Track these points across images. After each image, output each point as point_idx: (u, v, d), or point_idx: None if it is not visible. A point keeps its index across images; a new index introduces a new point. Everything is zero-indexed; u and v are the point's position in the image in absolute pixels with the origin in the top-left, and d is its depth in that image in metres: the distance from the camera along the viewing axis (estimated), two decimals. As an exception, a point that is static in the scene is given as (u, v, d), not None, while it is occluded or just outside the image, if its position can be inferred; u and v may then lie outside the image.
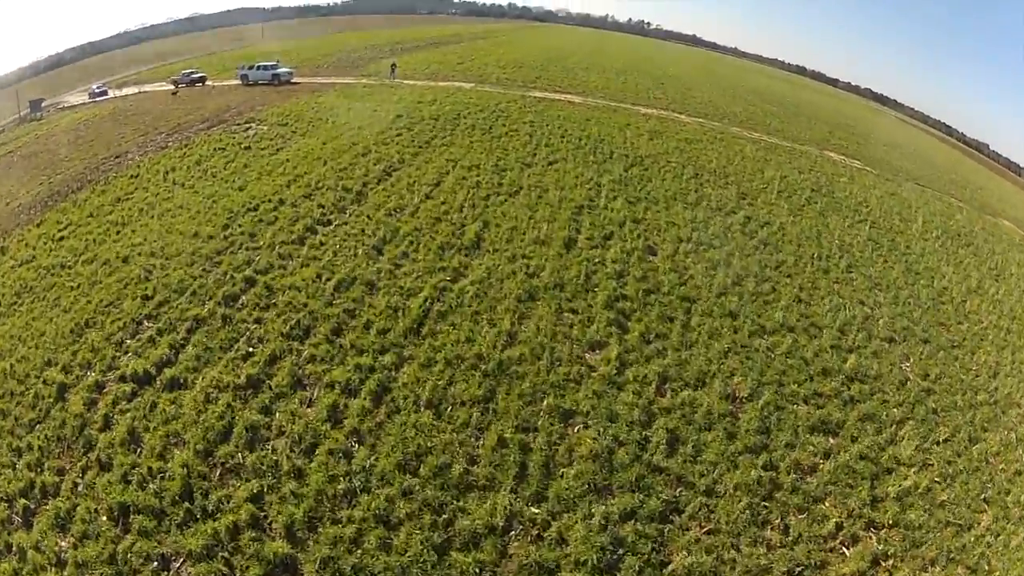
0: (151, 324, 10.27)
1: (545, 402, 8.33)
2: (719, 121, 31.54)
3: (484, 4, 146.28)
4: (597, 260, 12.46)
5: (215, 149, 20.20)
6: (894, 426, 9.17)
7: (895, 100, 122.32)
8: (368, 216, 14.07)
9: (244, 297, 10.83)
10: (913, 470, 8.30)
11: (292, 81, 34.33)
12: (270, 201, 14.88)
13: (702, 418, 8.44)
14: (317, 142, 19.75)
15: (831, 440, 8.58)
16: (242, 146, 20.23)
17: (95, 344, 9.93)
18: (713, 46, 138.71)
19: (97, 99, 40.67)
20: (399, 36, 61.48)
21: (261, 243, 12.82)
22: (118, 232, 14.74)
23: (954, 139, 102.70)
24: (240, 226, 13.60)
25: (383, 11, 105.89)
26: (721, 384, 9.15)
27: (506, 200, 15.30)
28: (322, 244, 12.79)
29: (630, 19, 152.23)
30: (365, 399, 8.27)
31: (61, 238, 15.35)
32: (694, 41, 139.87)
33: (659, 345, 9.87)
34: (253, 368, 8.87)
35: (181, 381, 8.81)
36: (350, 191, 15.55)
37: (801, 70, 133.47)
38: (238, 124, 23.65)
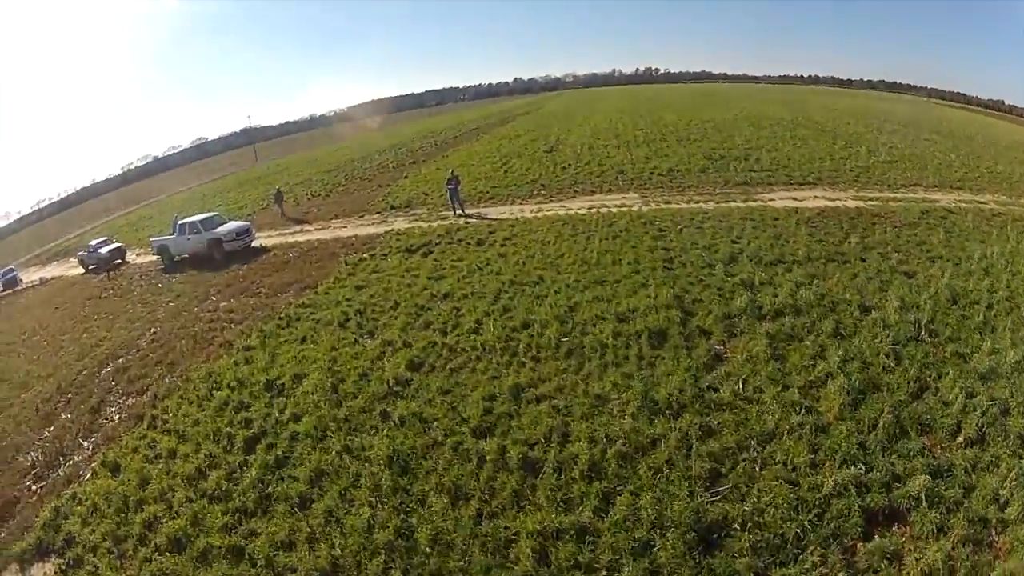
0: None
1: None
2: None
3: (491, 85, 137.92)
4: None
5: None
6: None
7: (908, 84, 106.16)
8: None
9: None
10: None
11: (253, 244, 16.67)
12: None
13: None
14: None
15: None
16: None
17: None
18: (724, 77, 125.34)
19: (3, 290, 23.91)
20: (422, 129, 45.75)
21: None
22: None
23: (973, 106, 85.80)
24: None
25: (388, 111, 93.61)
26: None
27: None
28: None
29: (637, 69, 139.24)
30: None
31: None
32: (708, 77, 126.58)
33: None
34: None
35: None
36: None
37: (816, 79, 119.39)
38: None
